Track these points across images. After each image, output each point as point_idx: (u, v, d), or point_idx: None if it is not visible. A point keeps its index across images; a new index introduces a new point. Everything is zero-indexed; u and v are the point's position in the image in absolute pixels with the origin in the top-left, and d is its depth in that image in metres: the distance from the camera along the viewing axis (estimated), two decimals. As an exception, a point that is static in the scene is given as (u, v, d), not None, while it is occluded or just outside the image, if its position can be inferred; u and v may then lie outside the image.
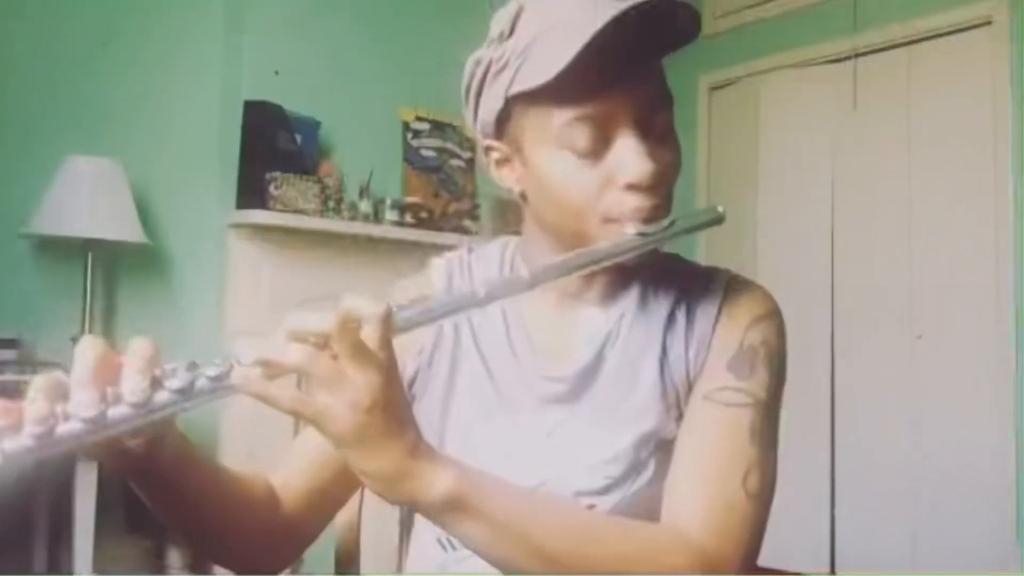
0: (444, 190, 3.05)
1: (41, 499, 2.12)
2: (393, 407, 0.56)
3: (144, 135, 2.44)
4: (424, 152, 3.01)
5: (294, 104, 2.60)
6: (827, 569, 3.35)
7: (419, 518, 0.82)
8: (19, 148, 2.25)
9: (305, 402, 0.54)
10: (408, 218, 2.88)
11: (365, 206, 2.77)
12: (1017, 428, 2.99)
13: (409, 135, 2.98)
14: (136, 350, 0.54)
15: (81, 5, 2.38)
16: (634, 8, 0.64)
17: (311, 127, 2.68)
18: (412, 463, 0.57)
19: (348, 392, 0.53)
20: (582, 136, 0.68)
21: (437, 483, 0.57)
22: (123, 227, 2.21)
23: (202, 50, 2.54)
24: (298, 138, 2.60)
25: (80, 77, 2.36)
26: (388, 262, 2.78)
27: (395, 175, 2.94)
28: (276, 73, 2.62)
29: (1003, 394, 3.03)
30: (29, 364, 2.02)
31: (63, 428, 0.51)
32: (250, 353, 0.53)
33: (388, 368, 0.55)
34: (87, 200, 2.14)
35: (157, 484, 0.63)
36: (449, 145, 3.07)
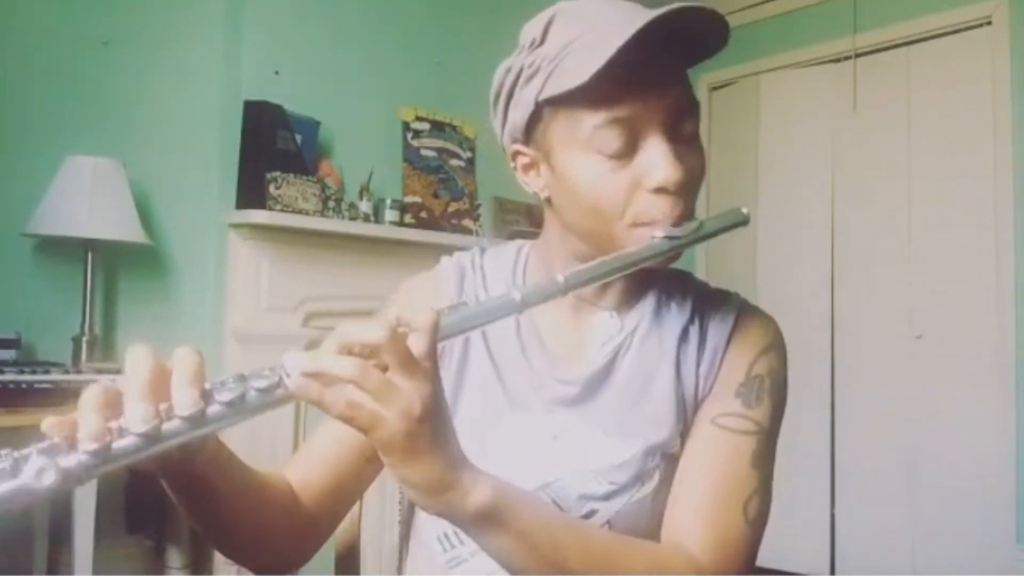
0: (444, 190, 3.04)
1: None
2: (440, 418, 0.56)
3: (144, 135, 2.44)
4: (424, 152, 3.01)
5: (294, 104, 2.60)
6: (827, 570, 3.35)
7: (420, 515, 0.82)
8: (19, 148, 2.25)
9: (358, 408, 0.53)
10: (408, 218, 2.87)
11: (365, 206, 2.77)
12: (1018, 428, 2.99)
13: (409, 135, 2.98)
14: (183, 362, 0.54)
15: (81, 5, 2.38)
16: (670, 15, 0.65)
17: (311, 127, 2.68)
18: (454, 474, 0.57)
19: (399, 402, 0.54)
20: (613, 138, 0.69)
21: (476, 495, 0.58)
22: (123, 227, 2.21)
23: (202, 50, 2.54)
24: (298, 138, 2.60)
25: (80, 77, 2.36)
26: (388, 262, 2.78)
27: (395, 175, 2.94)
28: (276, 73, 2.62)
29: (1003, 394, 3.03)
30: (29, 364, 2.02)
31: (119, 444, 0.50)
32: (300, 364, 0.53)
33: (435, 378, 0.56)
34: (87, 200, 2.13)
35: (190, 484, 0.64)
36: (449, 145, 3.07)
